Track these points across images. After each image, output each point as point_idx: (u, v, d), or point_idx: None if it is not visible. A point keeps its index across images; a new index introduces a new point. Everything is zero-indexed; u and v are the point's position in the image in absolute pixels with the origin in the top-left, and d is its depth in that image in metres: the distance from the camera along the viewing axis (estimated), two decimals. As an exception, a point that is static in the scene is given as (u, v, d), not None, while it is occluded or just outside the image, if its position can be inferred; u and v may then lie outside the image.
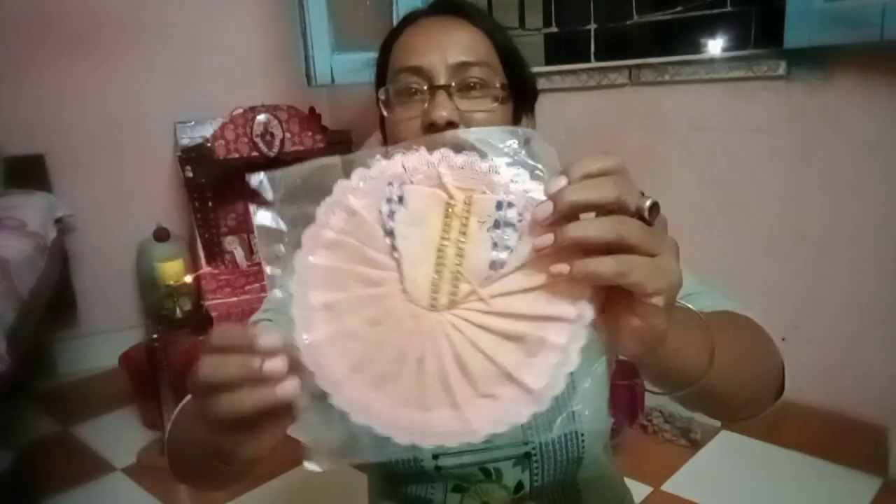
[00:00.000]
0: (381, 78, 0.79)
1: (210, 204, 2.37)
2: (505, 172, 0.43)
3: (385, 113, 0.76)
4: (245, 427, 0.43)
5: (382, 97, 0.76)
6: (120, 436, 2.17)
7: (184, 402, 0.65)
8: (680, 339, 0.47)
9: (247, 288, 2.34)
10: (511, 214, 0.42)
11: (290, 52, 2.48)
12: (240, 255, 2.45)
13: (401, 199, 0.44)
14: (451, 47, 0.72)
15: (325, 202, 0.45)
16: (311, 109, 2.49)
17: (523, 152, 0.44)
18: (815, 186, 1.73)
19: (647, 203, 0.41)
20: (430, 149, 0.44)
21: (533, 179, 0.43)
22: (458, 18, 0.75)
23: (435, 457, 0.77)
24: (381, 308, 0.44)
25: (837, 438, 1.77)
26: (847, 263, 1.71)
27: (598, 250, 0.40)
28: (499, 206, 0.43)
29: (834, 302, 1.75)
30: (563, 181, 0.40)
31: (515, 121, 0.79)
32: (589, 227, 0.39)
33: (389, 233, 0.44)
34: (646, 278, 0.39)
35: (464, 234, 0.43)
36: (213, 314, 2.19)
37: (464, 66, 0.72)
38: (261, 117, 2.35)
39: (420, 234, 0.43)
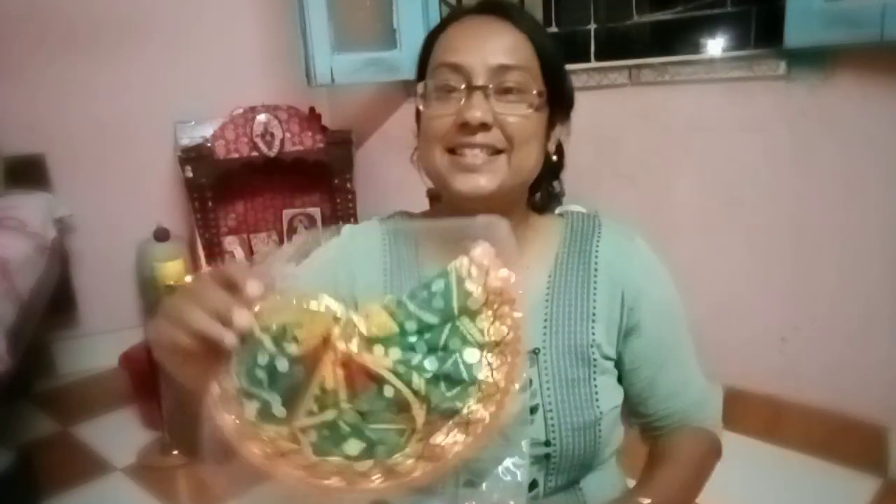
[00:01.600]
0: (422, 71, 0.79)
1: (210, 204, 2.38)
2: None
3: (421, 107, 0.77)
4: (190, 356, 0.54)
5: (420, 91, 0.77)
6: (120, 436, 2.17)
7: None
8: None
9: (247, 288, 2.34)
10: None
11: (290, 52, 2.48)
12: (240, 255, 2.45)
13: None
14: (492, 49, 0.72)
15: None
16: (311, 109, 2.49)
17: None
18: (814, 186, 1.73)
19: None
20: None
21: None
22: (503, 20, 0.75)
23: None
24: None
25: (837, 438, 1.76)
26: (847, 263, 1.71)
27: None
28: None
29: (833, 302, 1.75)
30: None
31: (550, 127, 0.78)
32: None
33: None
34: None
35: None
36: (213, 314, 2.19)
37: (503, 68, 0.72)
38: (261, 117, 2.36)
39: None
